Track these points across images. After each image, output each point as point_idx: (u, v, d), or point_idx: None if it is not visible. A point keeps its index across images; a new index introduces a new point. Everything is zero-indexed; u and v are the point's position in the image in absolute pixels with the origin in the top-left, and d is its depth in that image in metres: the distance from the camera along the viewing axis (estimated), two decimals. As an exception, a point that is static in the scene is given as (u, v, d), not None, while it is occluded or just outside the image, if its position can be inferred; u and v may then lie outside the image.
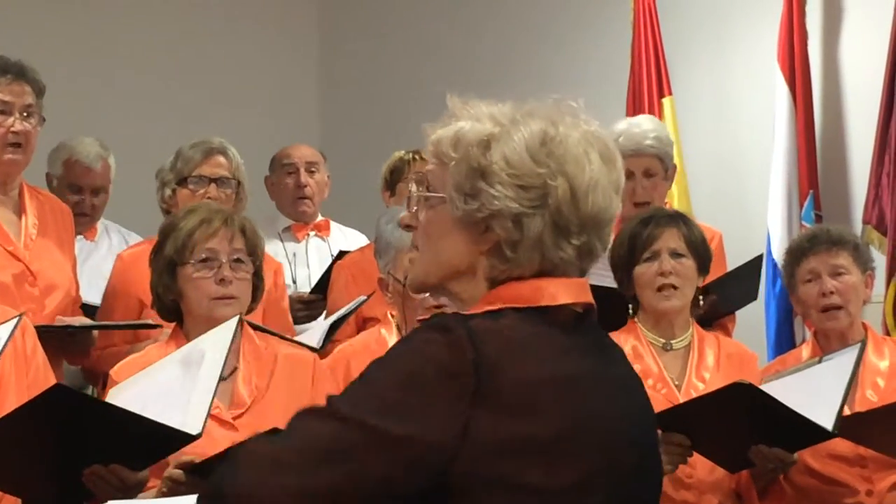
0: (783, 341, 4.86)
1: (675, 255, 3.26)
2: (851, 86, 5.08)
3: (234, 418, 2.85)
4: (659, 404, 3.03)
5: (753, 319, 4.76)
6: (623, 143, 4.01)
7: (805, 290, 3.41)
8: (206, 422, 2.55)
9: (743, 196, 5.30)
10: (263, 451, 1.67)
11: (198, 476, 2.63)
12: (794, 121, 5.01)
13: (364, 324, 3.81)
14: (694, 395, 3.14)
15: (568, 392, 1.69)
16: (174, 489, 2.63)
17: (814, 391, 3.04)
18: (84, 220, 4.50)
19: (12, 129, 3.53)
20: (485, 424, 1.63)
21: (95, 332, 3.66)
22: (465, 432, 1.62)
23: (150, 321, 3.50)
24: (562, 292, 1.75)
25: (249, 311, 3.09)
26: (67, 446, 2.57)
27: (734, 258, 4.06)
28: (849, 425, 3.00)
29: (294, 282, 4.58)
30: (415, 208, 1.84)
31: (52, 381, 2.86)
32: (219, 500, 1.68)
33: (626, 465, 1.74)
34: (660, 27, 5.38)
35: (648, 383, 3.18)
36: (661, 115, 5.28)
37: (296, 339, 3.50)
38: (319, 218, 4.86)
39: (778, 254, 4.83)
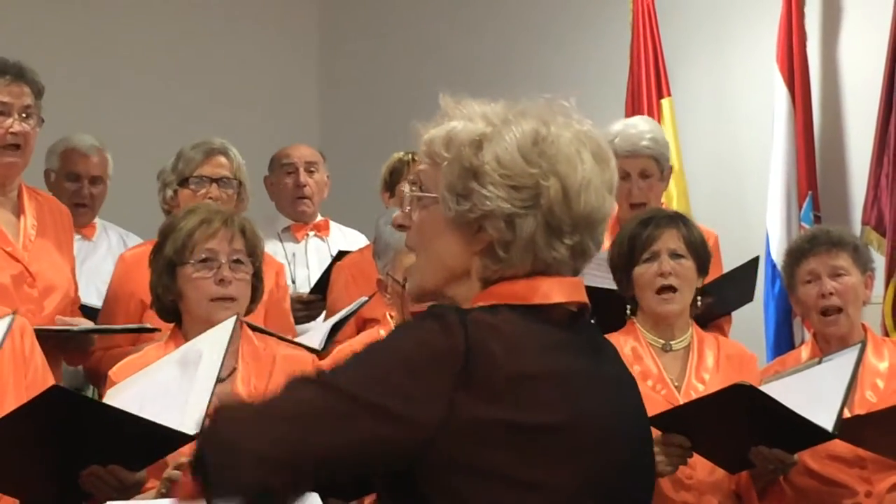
0: (782, 342, 4.86)
1: (675, 255, 3.26)
2: (850, 86, 5.08)
3: (233, 419, 2.84)
4: (659, 405, 3.04)
5: (752, 320, 4.76)
6: (619, 144, 4.01)
7: (805, 291, 3.41)
8: (203, 422, 2.55)
9: (742, 197, 5.30)
10: (249, 411, 1.68)
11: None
12: (793, 122, 5.00)
13: (364, 325, 3.81)
14: (694, 396, 3.14)
15: (559, 387, 1.69)
16: (173, 490, 2.63)
17: (814, 392, 3.04)
18: (83, 212, 4.50)
19: (11, 130, 3.53)
20: (470, 410, 1.64)
21: (94, 335, 3.66)
22: (449, 414, 1.63)
23: (148, 325, 3.51)
24: (555, 291, 1.76)
25: (249, 312, 3.09)
26: (65, 447, 2.57)
27: (733, 259, 4.05)
28: (847, 428, 3.00)
29: (293, 282, 4.58)
30: (408, 208, 1.84)
31: (51, 382, 2.86)
32: (208, 448, 1.68)
33: (617, 463, 1.74)
34: (659, 28, 5.38)
35: (648, 384, 3.19)
36: (660, 116, 5.28)
37: (297, 340, 3.51)
38: (319, 218, 4.86)
39: (777, 254, 4.83)
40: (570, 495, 1.68)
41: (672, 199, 5.16)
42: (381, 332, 3.30)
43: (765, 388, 3.01)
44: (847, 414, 3.07)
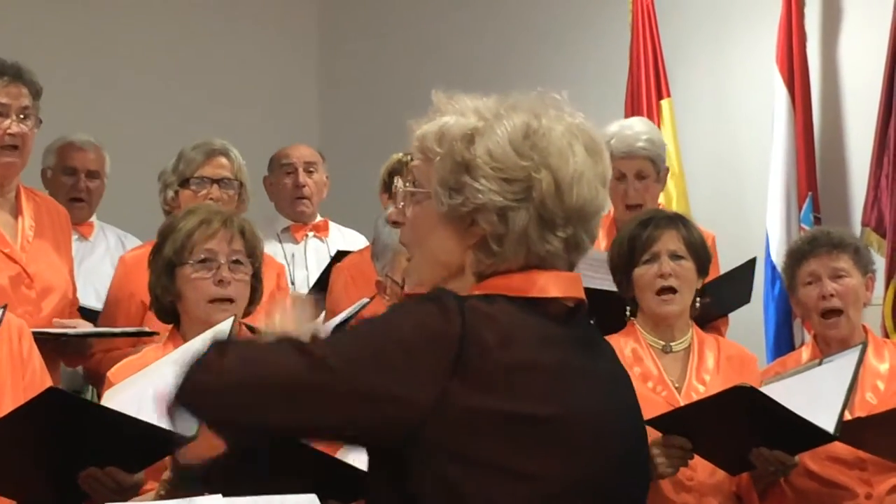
0: (782, 343, 4.86)
1: (675, 256, 3.25)
2: (850, 87, 5.07)
3: (232, 421, 2.84)
4: (659, 407, 3.04)
5: (752, 321, 4.76)
6: (615, 146, 4.01)
7: (805, 293, 3.41)
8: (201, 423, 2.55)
9: (742, 198, 5.30)
10: (236, 373, 1.67)
11: (196, 479, 2.63)
12: (793, 122, 5.00)
13: (363, 326, 3.80)
14: (694, 397, 3.13)
15: (552, 380, 1.70)
16: (172, 492, 2.62)
17: (815, 393, 3.03)
18: (80, 207, 4.50)
19: (9, 131, 3.52)
20: (463, 398, 1.64)
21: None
22: (441, 400, 1.63)
23: (146, 329, 3.50)
24: (552, 285, 1.76)
25: (248, 314, 3.08)
26: (63, 449, 2.56)
27: (733, 260, 4.05)
28: (848, 430, 2.99)
29: (292, 283, 4.58)
30: (402, 204, 1.85)
31: (49, 384, 2.85)
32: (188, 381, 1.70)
33: (611, 460, 1.74)
34: (658, 29, 5.38)
35: (648, 386, 3.18)
36: (659, 117, 5.28)
37: None
38: (318, 218, 4.86)
39: (777, 256, 4.83)
40: (561, 488, 1.68)
41: (672, 199, 5.16)
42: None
43: (765, 390, 3.01)
44: (847, 416, 3.06)
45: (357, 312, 3.72)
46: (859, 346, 3.18)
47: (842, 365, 3.11)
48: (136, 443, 2.57)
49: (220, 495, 2.39)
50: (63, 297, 3.61)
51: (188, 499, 2.52)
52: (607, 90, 5.44)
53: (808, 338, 3.85)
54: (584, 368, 1.75)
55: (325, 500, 2.41)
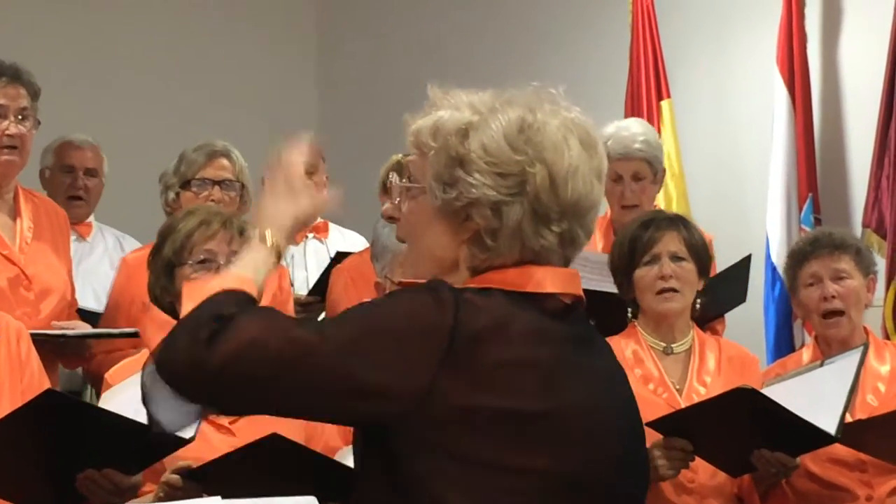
0: (782, 345, 4.86)
1: (676, 258, 3.25)
2: (851, 88, 5.07)
3: (231, 422, 2.84)
4: (660, 409, 3.03)
5: (752, 323, 4.76)
6: (612, 147, 4.01)
7: (806, 294, 3.40)
8: (198, 425, 2.54)
9: (742, 199, 5.30)
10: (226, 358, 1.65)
11: (195, 481, 2.62)
12: (794, 123, 5.00)
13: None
14: (695, 399, 3.13)
15: (544, 376, 1.69)
16: (171, 494, 2.63)
17: (816, 395, 3.03)
18: (78, 205, 4.50)
19: (7, 132, 3.52)
20: (452, 394, 1.64)
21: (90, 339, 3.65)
22: (429, 393, 1.63)
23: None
24: (549, 280, 1.76)
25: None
26: (61, 451, 2.56)
27: (733, 261, 4.04)
28: (848, 432, 2.99)
29: (291, 284, 4.57)
30: (398, 200, 1.85)
31: (48, 386, 2.85)
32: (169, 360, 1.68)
33: (604, 457, 1.74)
34: (658, 30, 5.38)
35: (649, 388, 3.17)
36: (659, 118, 5.28)
37: None
38: (318, 219, 4.85)
39: (777, 257, 4.83)
40: (550, 483, 1.68)
41: (672, 201, 5.16)
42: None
43: (766, 391, 3.00)
44: (848, 418, 3.06)
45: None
46: (860, 348, 3.17)
47: (843, 366, 3.10)
48: (134, 444, 2.56)
49: (219, 497, 2.39)
50: (62, 298, 3.60)
51: (187, 501, 2.52)
52: (607, 91, 5.44)
53: (809, 339, 3.84)
54: (579, 365, 1.75)
55: (324, 502, 2.40)
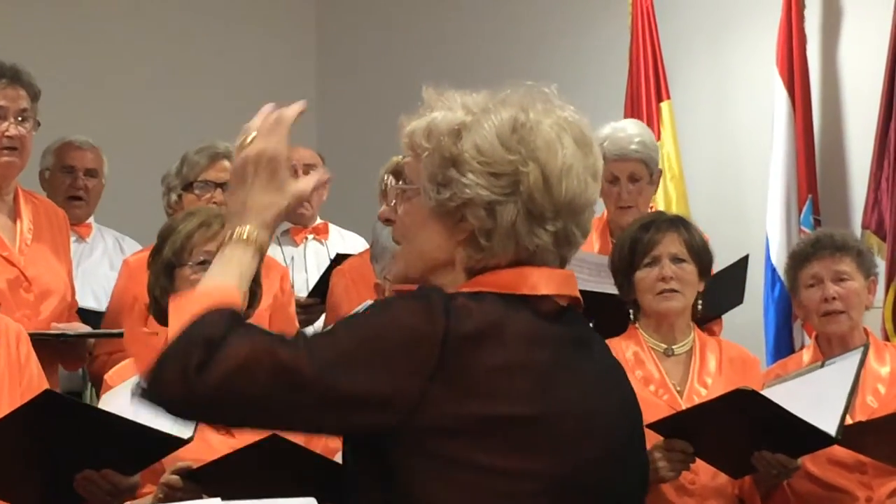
0: (782, 346, 4.85)
1: (676, 260, 3.25)
2: (850, 90, 5.07)
3: (231, 425, 2.83)
4: (661, 410, 3.03)
5: (752, 324, 4.75)
6: (608, 148, 4.01)
7: (807, 295, 3.40)
8: (196, 425, 2.54)
9: (742, 200, 5.29)
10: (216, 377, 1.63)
11: (195, 482, 2.62)
12: (793, 125, 4.99)
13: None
14: (696, 400, 3.13)
15: (536, 379, 1.69)
16: (171, 495, 2.62)
17: (816, 396, 3.03)
18: (78, 205, 4.49)
19: (7, 133, 3.52)
20: (444, 403, 1.63)
21: (91, 339, 3.65)
22: (420, 401, 1.62)
23: (145, 330, 3.49)
24: (543, 282, 1.75)
25: (246, 316, 3.06)
26: (59, 452, 2.56)
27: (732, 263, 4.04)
28: (848, 434, 2.98)
29: (291, 286, 4.57)
30: (393, 202, 1.84)
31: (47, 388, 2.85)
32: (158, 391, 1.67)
33: (597, 458, 1.73)
34: (658, 31, 5.37)
35: (650, 389, 3.17)
36: (659, 120, 5.27)
37: None
38: (318, 221, 4.84)
39: (777, 258, 4.82)
40: (544, 485, 1.67)
41: (671, 202, 5.16)
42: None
43: (767, 393, 3.00)
44: (848, 419, 3.05)
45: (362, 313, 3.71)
46: (861, 349, 3.17)
47: (843, 367, 3.10)
48: (132, 445, 2.56)
49: (218, 498, 2.39)
50: (62, 300, 3.60)
51: (187, 501, 2.52)
52: (607, 92, 5.44)
53: (808, 340, 3.84)
54: (575, 367, 1.74)
55: (323, 503, 2.40)
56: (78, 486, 2.59)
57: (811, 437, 2.95)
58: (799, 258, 3.45)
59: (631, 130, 4.18)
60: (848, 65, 5.08)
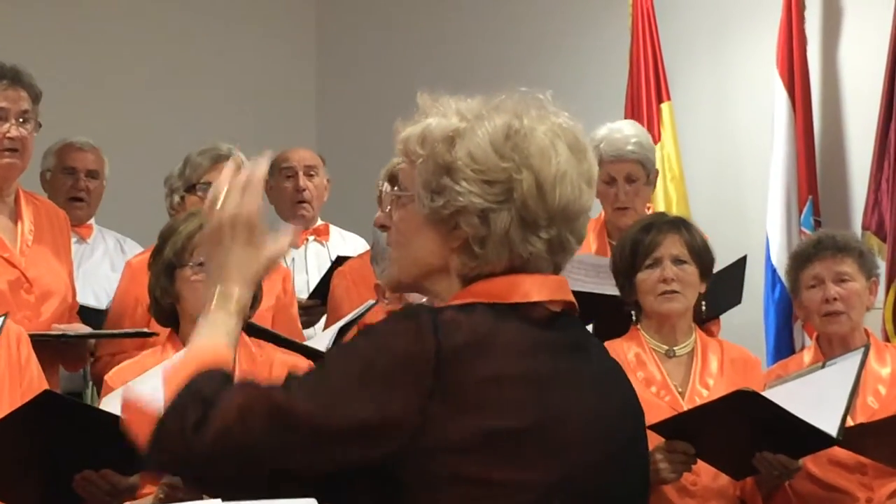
0: (782, 347, 4.85)
1: (678, 261, 3.25)
2: (851, 91, 5.07)
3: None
4: (662, 412, 3.03)
5: (752, 325, 4.75)
6: (604, 149, 4.01)
7: (808, 296, 3.41)
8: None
9: (742, 202, 5.29)
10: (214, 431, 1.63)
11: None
12: (794, 126, 4.99)
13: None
14: (698, 401, 3.13)
15: (530, 389, 1.68)
16: (172, 495, 2.62)
17: (817, 397, 3.03)
18: (79, 206, 4.50)
19: (8, 134, 3.52)
20: (442, 421, 1.62)
21: (92, 340, 3.65)
22: (421, 424, 1.62)
23: (146, 330, 3.49)
24: (535, 289, 1.74)
25: (247, 318, 3.07)
26: (58, 452, 2.56)
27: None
28: (849, 436, 2.98)
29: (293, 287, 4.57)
30: (388, 208, 1.84)
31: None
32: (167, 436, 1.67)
33: (594, 462, 1.72)
34: (658, 32, 5.37)
35: (652, 391, 3.18)
36: (659, 121, 5.27)
37: (307, 343, 3.50)
38: (319, 222, 4.84)
39: (777, 259, 4.82)
40: (540, 494, 1.67)
41: (672, 203, 5.15)
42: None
43: (768, 394, 3.00)
44: (849, 421, 3.05)
45: (364, 313, 3.71)
46: (861, 349, 3.17)
47: (844, 368, 3.10)
48: (131, 445, 2.56)
49: (219, 500, 2.39)
50: (62, 301, 3.60)
51: (188, 502, 2.51)
52: (607, 93, 5.44)
53: (809, 341, 3.84)
54: (569, 373, 1.74)
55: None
56: (77, 486, 2.60)
57: (812, 438, 2.95)
58: (800, 259, 3.45)
59: (627, 131, 4.17)
60: (848, 66, 5.08)
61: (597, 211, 4.24)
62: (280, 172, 4.76)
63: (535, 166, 1.73)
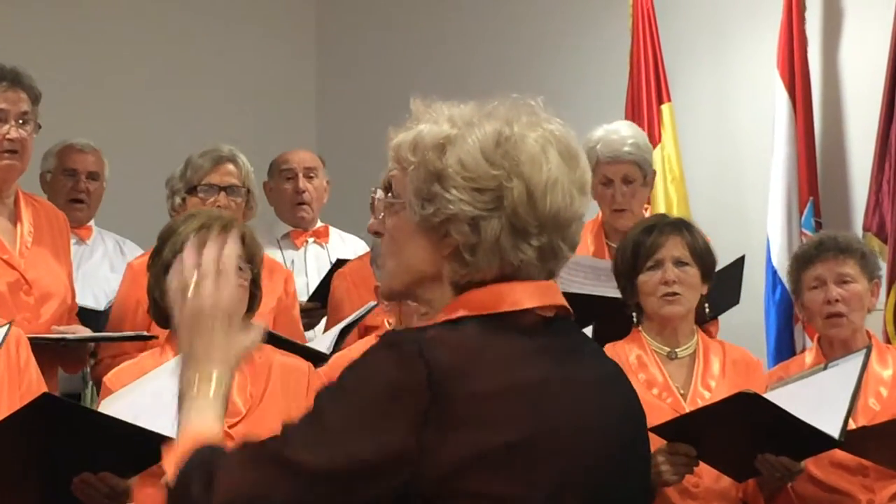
0: (783, 348, 4.84)
1: (679, 263, 3.24)
2: (851, 92, 5.06)
3: (230, 427, 2.82)
4: (664, 414, 3.03)
5: (753, 326, 4.75)
6: (601, 150, 4.01)
7: (810, 297, 3.40)
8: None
9: (743, 203, 5.29)
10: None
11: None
12: (794, 127, 4.98)
13: (366, 332, 3.80)
14: (700, 403, 3.13)
15: (527, 400, 1.67)
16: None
17: (819, 399, 3.03)
18: (79, 208, 4.49)
19: (7, 136, 3.51)
20: (441, 442, 1.61)
21: (92, 343, 3.64)
22: (421, 452, 1.60)
23: (144, 333, 3.49)
24: (526, 297, 1.73)
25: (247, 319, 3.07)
26: (56, 454, 2.56)
27: (734, 266, 4.04)
28: (851, 439, 2.98)
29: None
30: (381, 215, 1.83)
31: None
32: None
33: (592, 466, 1.71)
34: (659, 33, 5.36)
35: (653, 392, 3.17)
36: (660, 122, 5.27)
37: (308, 345, 3.50)
38: (319, 224, 4.83)
39: (778, 261, 4.82)
40: (539, 501, 1.65)
41: (672, 205, 5.15)
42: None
43: (770, 396, 3.00)
44: (851, 423, 3.05)
45: (364, 315, 3.71)
46: (863, 351, 3.17)
47: (846, 369, 3.10)
48: (129, 447, 2.56)
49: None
50: (62, 303, 3.59)
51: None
52: (607, 94, 5.43)
53: (809, 342, 3.83)
54: (564, 379, 1.72)
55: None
56: (76, 488, 2.60)
57: (814, 440, 2.95)
58: (802, 260, 3.44)
59: (624, 132, 4.17)
60: (849, 67, 5.07)
61: (594, 212, 4.23)
62: (280, 174, 4.76)
63: (526, 174, 1.72)
